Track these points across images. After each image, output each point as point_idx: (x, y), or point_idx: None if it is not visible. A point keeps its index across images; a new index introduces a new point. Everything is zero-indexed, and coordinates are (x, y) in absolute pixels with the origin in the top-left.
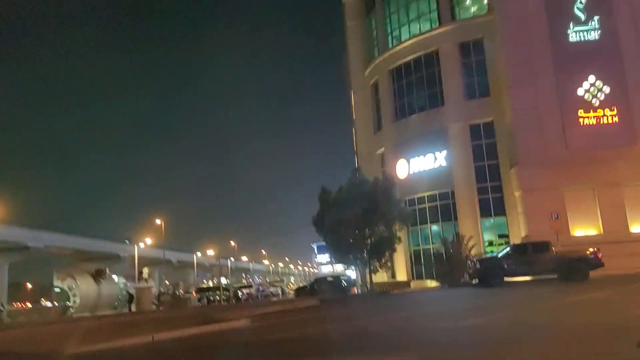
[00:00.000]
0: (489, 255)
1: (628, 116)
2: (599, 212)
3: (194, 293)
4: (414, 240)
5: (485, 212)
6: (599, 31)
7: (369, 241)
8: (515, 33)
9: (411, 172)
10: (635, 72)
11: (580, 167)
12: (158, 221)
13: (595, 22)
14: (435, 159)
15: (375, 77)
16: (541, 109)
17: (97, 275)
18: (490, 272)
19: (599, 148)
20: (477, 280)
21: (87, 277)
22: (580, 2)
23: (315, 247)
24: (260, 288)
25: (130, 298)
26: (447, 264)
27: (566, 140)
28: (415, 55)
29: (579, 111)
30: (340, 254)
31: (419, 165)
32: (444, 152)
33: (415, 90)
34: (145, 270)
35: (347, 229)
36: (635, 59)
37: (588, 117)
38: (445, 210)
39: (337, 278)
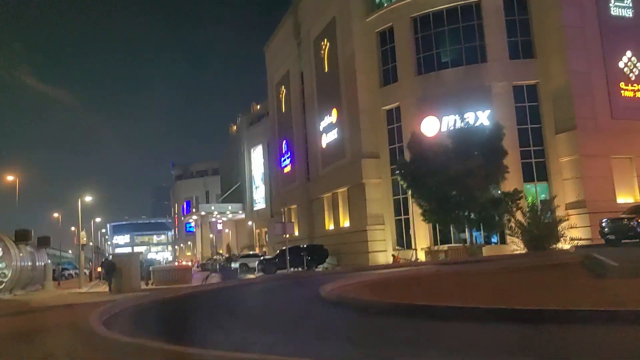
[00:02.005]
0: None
1: None
2: (636, 182)
3: None
4: None
5: (527, 177)
6: (632, 10)
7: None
8: None
9: (443, 130)
10: None
11: (622, 137)
12: None
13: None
14: (477, 118)
15: (384, 25)
16: (593, 75)
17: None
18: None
19: (636, 119)
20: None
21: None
22: None
23: (110, 227)
24: None
25: None
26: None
27: (611, 109)
28: (450, 5)
29: (621, 83)
30: (441, 214)
31: (454, 123)
32: (487, 112)
33: (449, 42)
34: None
35: (454, 186)
36: None
37: (627, 90)
38: None
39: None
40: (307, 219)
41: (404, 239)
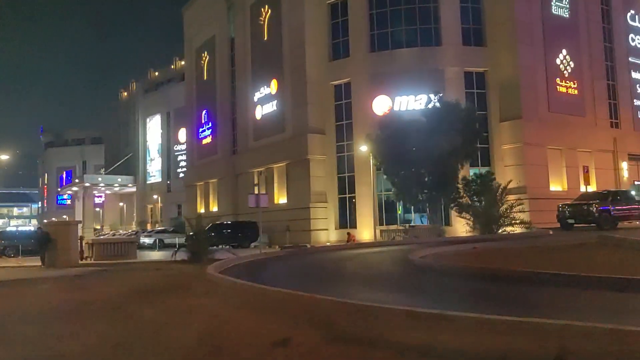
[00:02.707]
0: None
1: (582, 90)
2: (564, 171)
3: None
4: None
5: (472, 162)
6: (569, 10)
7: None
8: None
9: (395, 109)
10: (587, 53)
11: (556, 129)
12: None
13: (565, 1)
14: (429, 100)
15: None
16: (536, 69)
17: None
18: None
19: (567, 114)
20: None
21: None
22: None
23: None
24: None
25: None
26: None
27: (549, 102)
28: None
29: (557, 79)
30: (411, 193)
31: (406, 104)
32: (439, 95)
33: (404, 22)
34: None
35: (435, 164)
36: (588, 42)
37: (561, 85)
38: None
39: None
40: (231, 194)
41: (347, 218)
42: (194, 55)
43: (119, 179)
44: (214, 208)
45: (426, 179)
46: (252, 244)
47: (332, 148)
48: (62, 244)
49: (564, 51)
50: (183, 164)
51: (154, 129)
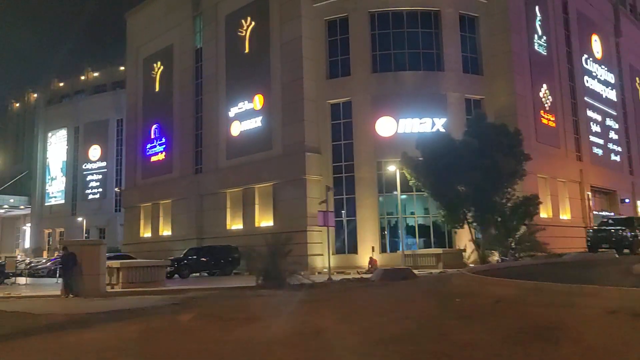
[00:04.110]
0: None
1: (557, 124)
2: (549, 199)
3: None
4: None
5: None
6: (546, 48)
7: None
8: (514, 21)
9: (400, 131)
10: (559, 90)
11: (541, 159)
12: None
13: (543, 39)
14: (433, 124)
15: (337, 14)
16: (527, 100)
17: None
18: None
19: (549, 145)
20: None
21: None
22: (539, 19)
23: None
24: None
25: None
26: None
27: (536, 132)
28: (411, 8)
29: (541, 111)
30: (457, 215)
31: (411, 127)
32: (443, 120)
33: (408, 45)
34: None
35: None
36: (559, 79)
37: (544, 117)
38: None
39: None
40: (194, 217)
41: (345, 243)
42: (141, 65)
43: (11, 200)
44: (165, 232)
45: (474, 201)
46: (233, 271)
47: (329, 168)
48: (89, 269)
49: (545, 85)
50: (94, 184)
51: (57, 144)
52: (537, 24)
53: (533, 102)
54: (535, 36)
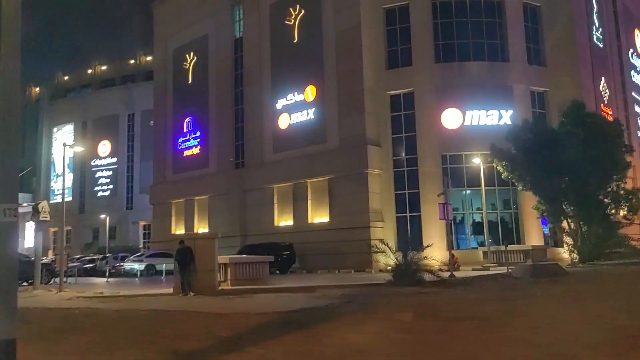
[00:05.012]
0: None
1: (614, 119)
2: None
3: None
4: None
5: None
6: (602, 41)
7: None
8: (577, 11)
9: (467, 124)
10: (613, 84)
11: None
12: None
13: (600, 31)
14: (500, 116)
15: (396, 2)
16: (590, 92)
17: None
18: None
19: None
20: None
21: None
22: (595, 10)
23: None
24: None
25: None
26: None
27: None
28: None
29: (601, 104)
30: (559, 209)
31: (478, 119)
32: (510, 112)
33: (471, 35)
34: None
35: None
36: (612, 73)
37: (604, 112)
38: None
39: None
40: (237, 213)
41: (408, 240)
42: (170, 56)
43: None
44: (202, 229)
45: (577, 195)
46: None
47: (389, 162)
48: (203, 264)
49: (603, 79)
50: (103, 181)
51: (63, 140)
52: (595, 15)
53: (595, 96)
54: (594, 28)
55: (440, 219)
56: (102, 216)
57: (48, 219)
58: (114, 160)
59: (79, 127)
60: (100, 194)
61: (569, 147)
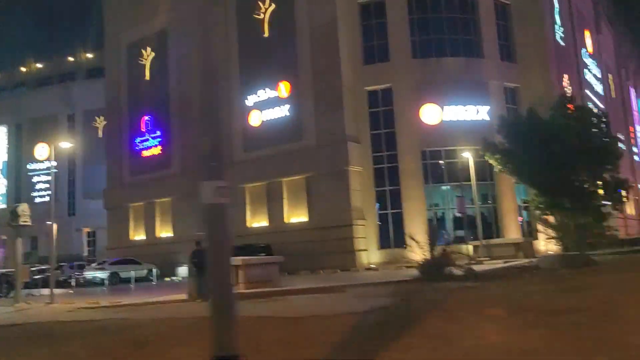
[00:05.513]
0: None
1: None
2: None
3: None
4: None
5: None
6: (563, 38)
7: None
8: (544, 9)
9: (445, 119)
10: (574, 81)
11: None
12: None
13: (562, 30)
14: (477, 112)
15: None
16: (557, 90)
17: None
18: None
19: None
20: None
21: None
22: (557, 9)
23: None
24: None
25: None
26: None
27: None
28: None
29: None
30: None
31: (456, 114)
32: (487, 108)
33: (448, 31)
34: None
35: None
36: (571, 71)
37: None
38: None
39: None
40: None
41: (390, 237)
42: (124, 52)
43: None
44: (164, 233)
45: (571, 187)
46: None
47: (368, 159)
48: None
49: (566, 76)
50: (41, 186)
51: None
52: (556, 13)
53: (560, 92)
54: (556, 26)
55: (458, 212)
56: (48, 223)
57: (29, 223)
58: (54, 163)
59: (12, 129)
60: (38, 199)
61: (566, 140)
